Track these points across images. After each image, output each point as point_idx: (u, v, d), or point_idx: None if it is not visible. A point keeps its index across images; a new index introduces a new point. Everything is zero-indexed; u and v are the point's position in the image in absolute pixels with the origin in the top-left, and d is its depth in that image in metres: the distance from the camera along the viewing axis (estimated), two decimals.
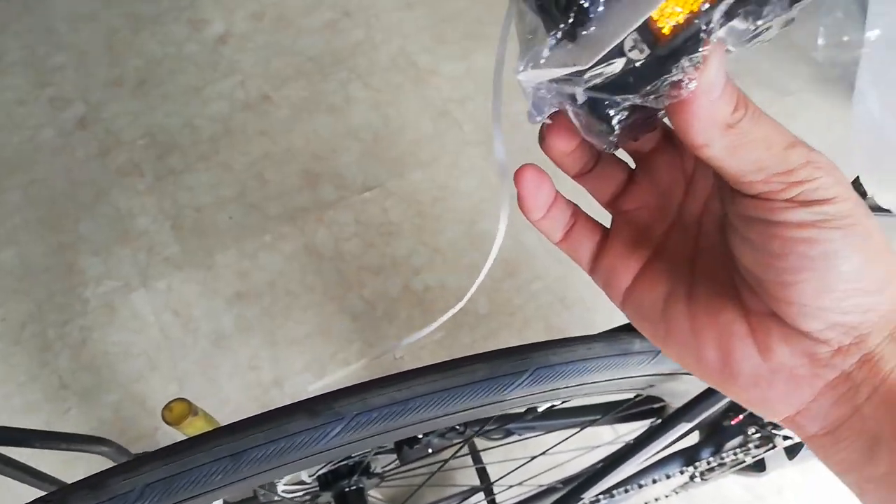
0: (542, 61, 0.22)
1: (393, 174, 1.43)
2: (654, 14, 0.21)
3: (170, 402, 0.72)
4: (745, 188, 0.25)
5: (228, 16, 1.64)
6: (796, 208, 0.24)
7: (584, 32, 0.21)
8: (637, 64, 0.22)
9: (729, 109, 0.24)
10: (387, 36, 1.59)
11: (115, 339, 1.28)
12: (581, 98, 0.23)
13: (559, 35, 0.21)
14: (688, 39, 0.21)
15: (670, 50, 0.21)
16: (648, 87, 0.22)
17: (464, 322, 1.28)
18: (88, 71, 1.57)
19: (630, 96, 0.23)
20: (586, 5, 0.20)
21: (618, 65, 0.22)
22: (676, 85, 0.22)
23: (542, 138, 0.29)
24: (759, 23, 0.22)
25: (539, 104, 0.25)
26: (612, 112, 0.24)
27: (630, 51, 0.21)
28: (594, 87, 0.23)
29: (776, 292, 0.26)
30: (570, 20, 0.21)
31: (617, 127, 0.24)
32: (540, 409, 0.55)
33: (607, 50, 0.21)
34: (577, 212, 0.32)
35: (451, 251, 1.35)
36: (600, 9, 0.20)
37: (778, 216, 0.25)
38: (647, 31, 0.21)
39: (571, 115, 0.25)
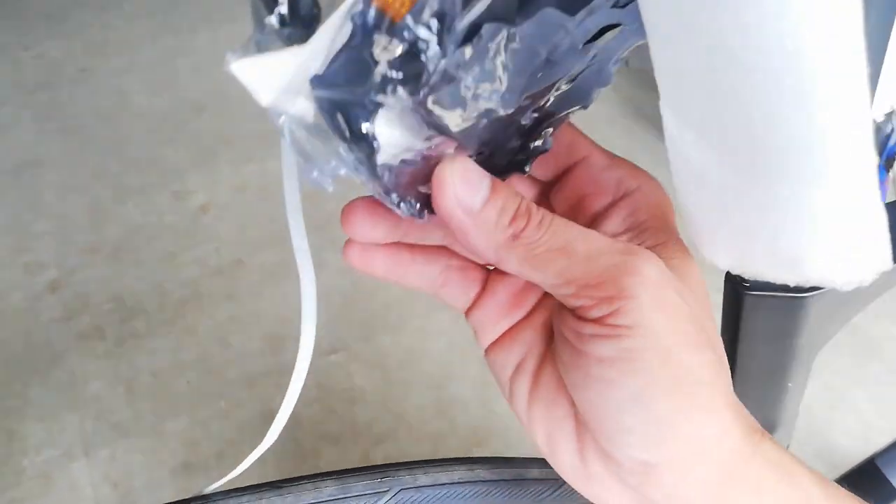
0: (261, 45, 0.18)
1: (360, 337, 1.38)
2: None
3: None
4: (563, 301, 0.23)
5: (212, 187, 1.69)
6: (602, 340, 0.21)
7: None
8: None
9: (504, 221, 0.22)
10: None
11: None
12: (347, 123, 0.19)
13: (282, 13, 0.18)
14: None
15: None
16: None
17: None
18: (68, 238, 1.59)
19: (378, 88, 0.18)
20: None
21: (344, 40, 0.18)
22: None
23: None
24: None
25: (301, 148, 0.20)
26: (365, 125, 0.19)
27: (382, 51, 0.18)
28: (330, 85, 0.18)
29: (582, 409, 0.24)
30: None
31: (376, 144, 0.19)
32: None
33: (333, 28, 0.17)
34: (450, 265, 0.29)
35: (415, 418, 1.27)
36: None
37: (585, 345, 0.22)
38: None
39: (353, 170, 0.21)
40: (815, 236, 0.20)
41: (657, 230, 0.26)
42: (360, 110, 0.18)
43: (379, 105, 0.18)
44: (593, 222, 0.27)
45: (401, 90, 0.17)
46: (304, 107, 0.19)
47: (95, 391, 1.32)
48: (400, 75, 0.17)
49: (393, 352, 1.35)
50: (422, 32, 0.17)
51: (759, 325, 0.33)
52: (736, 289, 0.34)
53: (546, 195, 0.30)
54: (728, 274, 0.35)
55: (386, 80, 0.17)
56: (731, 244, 0.23)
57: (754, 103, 0.17)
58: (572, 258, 0.22)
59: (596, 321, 0.21)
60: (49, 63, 2.10)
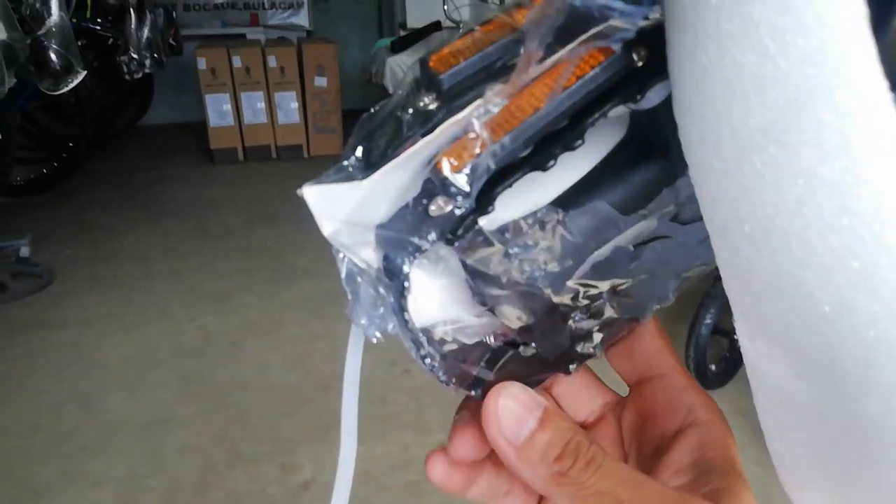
0: (331, 177, 0.19)
1: None
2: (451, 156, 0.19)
3: None
4: None
5: (319, 465, 1.69)
6: None
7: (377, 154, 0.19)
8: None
9: (550, 457, 0.21)
10: None
11: None
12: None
13: (359, 156, 0.20)
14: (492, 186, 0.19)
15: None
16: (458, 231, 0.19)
17: None
18: (172, 498, 1.61)
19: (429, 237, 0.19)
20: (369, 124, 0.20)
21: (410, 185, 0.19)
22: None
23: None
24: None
25: (355, 288, 0.22)
26: (401, 261, 0.20)
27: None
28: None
29: None
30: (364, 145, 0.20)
31: (407, 284, 0.19)
32: None
33: (392, 165, 0.19)
34: (513, 480, 0.27)
35: None
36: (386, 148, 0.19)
37: None
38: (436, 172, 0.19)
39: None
40: None
41: (724, 472, 0.24)
42: (401, 250, 0.19)
43: (418, 248, 0.19)
44: (660, 446, 0.26)
45: (434, 234, 0.19)
46: (369, 257, 0.21)
47: None
48: (439, 224, 0.18)
49: None
50: (460, 186, 0.18)
51: None
52: None
53: (621, 402, 0.29)
54: None
55: (426, 225, 0.19)
56: (824, 488, 0.20)
57: (820, 292, 0.15)
58: None
59: None
60: (207, 334, 2.33)
